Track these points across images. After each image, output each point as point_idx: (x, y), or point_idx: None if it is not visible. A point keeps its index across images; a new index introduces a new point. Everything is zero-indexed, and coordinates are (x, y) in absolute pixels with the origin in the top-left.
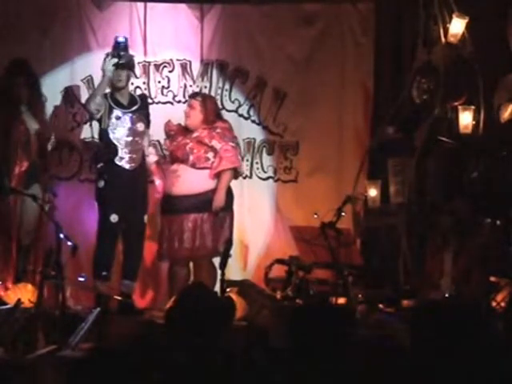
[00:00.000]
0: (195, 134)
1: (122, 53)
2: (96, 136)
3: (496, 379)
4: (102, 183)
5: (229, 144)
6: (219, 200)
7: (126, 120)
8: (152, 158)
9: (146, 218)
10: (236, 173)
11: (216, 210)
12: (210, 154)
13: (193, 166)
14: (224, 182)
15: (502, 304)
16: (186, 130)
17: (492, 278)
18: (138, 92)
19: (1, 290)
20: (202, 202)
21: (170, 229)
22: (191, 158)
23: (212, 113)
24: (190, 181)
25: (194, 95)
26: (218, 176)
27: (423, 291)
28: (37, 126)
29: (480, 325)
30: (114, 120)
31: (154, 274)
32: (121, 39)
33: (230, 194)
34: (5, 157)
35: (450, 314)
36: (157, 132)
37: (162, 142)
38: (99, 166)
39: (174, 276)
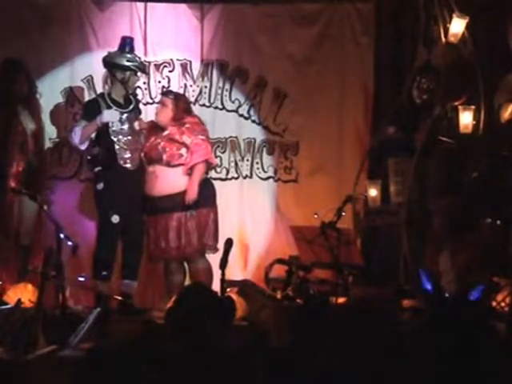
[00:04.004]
0: (166, 133)
1: (136, 57)
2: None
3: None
4: (101, 185)
5: (198, 137)
6: (191, 193)
7: (125, 120)
8: None
9: (145, 216)
10: (208, 165)
11: (189, 203)
12: (183, 150)
13: (168, 164)
14: (196, 175)
15: (502, 304)
16: (157, 128)
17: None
18: (138, 92)
19: (1, 289)
20: (183, 200)
21: (155, 229)
22: (164, 157)
23: (182, 111)
24: (169, 180)
25: (166, 93)
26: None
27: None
28: (33, 126)
29: (481, 325)
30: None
31: (154, 273)
32: (128, 40)
33: (211, 188)
34: (2, 157)
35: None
36: None
37: None
38: (97, 169)
39: (169, 276)
